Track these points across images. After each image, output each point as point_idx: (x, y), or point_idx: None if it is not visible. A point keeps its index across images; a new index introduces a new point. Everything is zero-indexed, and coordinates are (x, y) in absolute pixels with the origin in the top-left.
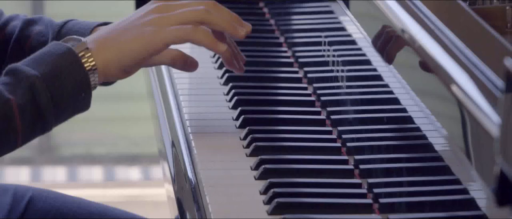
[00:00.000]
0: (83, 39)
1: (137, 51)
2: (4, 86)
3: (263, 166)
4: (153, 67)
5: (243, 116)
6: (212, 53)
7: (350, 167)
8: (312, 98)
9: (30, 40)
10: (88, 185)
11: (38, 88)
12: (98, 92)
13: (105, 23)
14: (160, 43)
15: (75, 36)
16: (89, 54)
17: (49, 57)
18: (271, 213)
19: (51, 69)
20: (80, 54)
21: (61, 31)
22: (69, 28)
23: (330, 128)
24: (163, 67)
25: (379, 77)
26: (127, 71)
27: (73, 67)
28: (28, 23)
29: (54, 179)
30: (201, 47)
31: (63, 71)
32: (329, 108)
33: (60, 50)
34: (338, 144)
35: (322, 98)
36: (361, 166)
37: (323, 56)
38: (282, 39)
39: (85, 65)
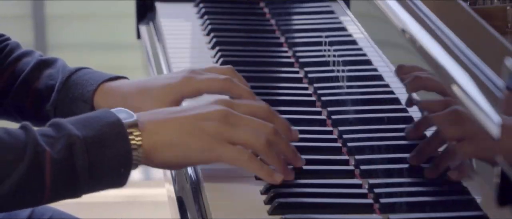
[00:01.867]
0: (135, 115)
1: (187, 156)
2: (43, 137)
3: None
4: (154, 66)
5: None
6: (212, 53)
7: (351, 167)
8: (313, 98)
9: (38, 82)
10: None
11: (77, 149)
12: None
13: (116, 78)
14: (215, 159)
15: (126, 110)
16: (138, 132)
17: (97, 122)
18: (271, 213)
19: (95, 134)
20: (128, 129)
21: (69, 79)
22: (78, 76)
23: (330, 128)
24: (164, 66)
25: (379, 77)
26: (167, 165)
27: (118, 139)
28: (42, 64)
29: None
30: (202, 48)
31: (107, 140)
32: (329, 109)
33: (110, 118)
34: (339, 144)
35: (323, 98)
36: (362, 166)
37: (323, 56)
38: (282, 39)
39: (131, 141)
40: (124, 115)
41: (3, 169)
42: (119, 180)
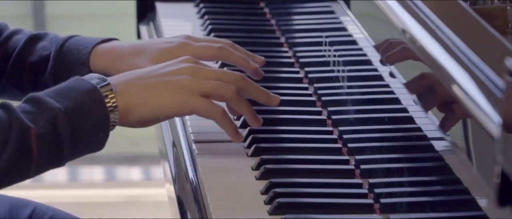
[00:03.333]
0: (107, 79)
1: (163, 109)
2: (25, 114)
3: (264, 166)
4: None
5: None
6: None
7: (351, 167)
8: (313, 98)
9: (32, 55)
10: (89, 185)
11: (60, 122)
12: None
13: (108, 40)
14: (189, 111)
15: (98, 75)
16: (113, 95)
17: (74, 92)
18: (272, 213)
19: (74, 104)
20: (104, 94)
21: (63, 46)
22: (71, 43)
23: (331, 128)
24: None
25: (379, 77)
26: (143, 122)
27: (96, 105)
28: (33, 38)
29: (55, 179)
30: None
31: (85, 108)
32: (330, 109)
33: (85, 87)
34: (339, 144)
35: (323, 98)
36: (362, 166)
37: (324, 56)
38: (283, 39)
39: (107, 105)
40: (97, 80)
41: None
42: (98, 144)
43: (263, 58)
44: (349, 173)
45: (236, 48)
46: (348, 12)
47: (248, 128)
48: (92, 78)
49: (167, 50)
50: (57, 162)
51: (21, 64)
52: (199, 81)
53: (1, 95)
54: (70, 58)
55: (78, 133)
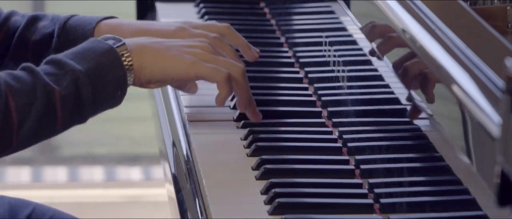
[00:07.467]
0: (123, 39)
1: (171, 70)
2: (48, 76)
3: (263, 166)
4: None
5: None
6: None
7: (351, 167)
8: (313, 98)
9: (34, 34)
10: (89, 185)
11: (82, 83)
12: None
13: (109, 18)
14: (194, 74)
15: (113, 35)
16: (128, 54)
17: (92, 53)
18: (272, 213)
19: (94, 66)
20: (120, 53)
21: (66, 23)
22: (74, 20)
23: (330, 128)
24: None
25: (379, 78)
26: (151, 82)
27: (114, 65)
28: (34, 19)
29: (55, 179)
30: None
31: (105, 68)
32: (330, 109)
33: (103, 48)
34: (339, 144)
35: (323, 98)
36: (362, 166)
37: (324, 56)
38: (283, 39)
39: (124, 64)
40: (113, 40)
41: (20, 113)
42: (116, 101)
43: (257, 50)
44: (349, 173)
45: (231, 34)
46: (348, 12)
47: (248, 128)
48: (108, 38)
49: (163, 33)
50: (80, 118)
51: (24, 43)
52: (208, 54)
53: None
54: (75, 34)
55: (99, 92)
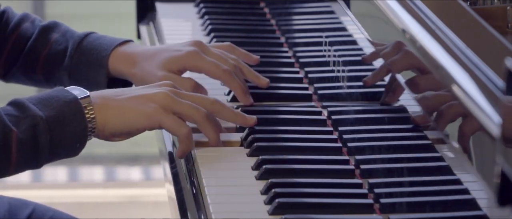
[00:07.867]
0: (88, 92)
1: (133, 122)
2: (9, 117)
3: (264, 166)
4: None
5: None
6: None
7: (351, 167)
8: (313, 98)
9: (47, 49)
10: (88, 185)
11: (41, 129)
12: None
13: (125, 41)
14: (157, 125)
15: (80, 88)
16: (91, 107)
17: (56, 101)
18: (272, 213)
19: (55, 114)
20: (83, 105)
21: (81, 44)
22: (89, 42)
23: (331, 128)
24: None
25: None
26: (115, 136)
27: (76, 117)
28: (46, 30)
29: (55, 179)
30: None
31: (66, 118)
32: (330, 109)
33: (67, 97)
34: (339, 144)
35: (323, 98)
36: (362, 166)
37: (324, 56)
38: (283, 39)
39: (86, 116)
40: (78, 92)
41: None
42: (74, 153)
43: (257, 57)
44: (349, 173)
45: (242, 69)
46: (348, 12)
47: (248, 128)
48: (74, 89)
49: (175, 58)
50: (35, 164)
51: (35, 57)
52: (172, 100)
53: (10, 81)
54: (89, 58)
55: (57, 141)
